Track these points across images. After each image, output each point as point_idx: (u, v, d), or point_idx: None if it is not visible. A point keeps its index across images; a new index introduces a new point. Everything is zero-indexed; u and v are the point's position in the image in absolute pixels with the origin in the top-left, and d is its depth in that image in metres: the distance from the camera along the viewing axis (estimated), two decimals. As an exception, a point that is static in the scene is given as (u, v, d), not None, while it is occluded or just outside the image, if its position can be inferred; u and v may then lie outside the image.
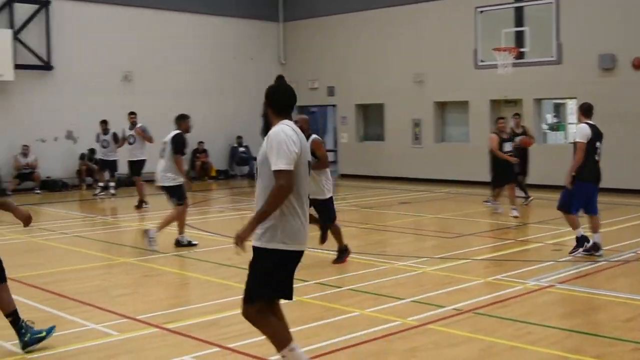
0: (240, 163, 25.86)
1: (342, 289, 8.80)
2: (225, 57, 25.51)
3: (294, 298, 5.45)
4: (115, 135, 19.39)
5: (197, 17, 25.13)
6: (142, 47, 23.69)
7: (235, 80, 25.86)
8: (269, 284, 5.22)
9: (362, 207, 17.36)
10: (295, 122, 5.48)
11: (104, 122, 20.08)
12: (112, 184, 20.17)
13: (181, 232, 11.85)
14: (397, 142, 23.91)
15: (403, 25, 23.51)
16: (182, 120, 12.05)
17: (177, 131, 11.90)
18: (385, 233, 13.54)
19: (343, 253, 10.46)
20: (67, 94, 22.08)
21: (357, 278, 9.37)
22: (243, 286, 8.98)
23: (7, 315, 6.58)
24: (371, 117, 25.40)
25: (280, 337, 5.32)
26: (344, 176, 25.29)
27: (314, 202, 9.73)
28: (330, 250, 11.30)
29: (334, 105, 26.37)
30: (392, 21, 23.80)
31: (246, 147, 25.66)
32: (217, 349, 6.45)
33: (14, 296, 8.64)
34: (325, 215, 10.35)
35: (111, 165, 19.99)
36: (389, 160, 24.04)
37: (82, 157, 22.31)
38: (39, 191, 21.08)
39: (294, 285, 5.33)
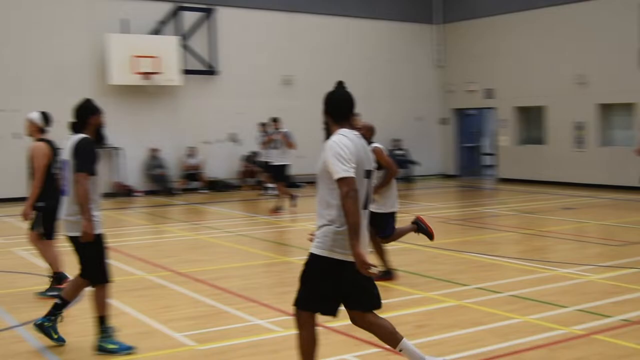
0: (399, 166, 25.82)
1: (503, 294, 8.64)
2: (382, 61, 25.66)
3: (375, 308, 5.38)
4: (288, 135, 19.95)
5: (354, 20, 25.41)
6: (302, 51, 24.23)
7: (391, 83, 25.99)
8: (316, 294, 5.17)
9: (523, 212, 16.97)
10: (358, 129, 5.40)
11: (263, 125, 20.75)
12: (273, 184, 20.71)
13: None
14: (558, 145, 23.20)
15: (564, 24, 22.79)
16: None
17: None
18: (547, 239, 13.17)
19: (387, 274, 9.53)
20: (230, 98, 22.91)
21: (518, 284, 9.18)
22: (402, 288, 9.07)
23: (60, 297, 6.87)
24: (531, 120, 24.76)
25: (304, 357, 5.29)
26: (503, 180, 24.81)
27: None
28: (488, 254, 11.16)
29: (492, 108, 25.93)
30: (553, 21, 23.14)
31: (404, 150, 25.67)
32: (378, 349, 6.51)
33: (183, 290, 9.12)
34: (379, 228, 9.33)
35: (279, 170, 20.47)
36: (550, 164, 23.37)
37: (244, 158, 23.07)
38: (204, 191, 22.02)
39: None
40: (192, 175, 22.27)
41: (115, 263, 10.88)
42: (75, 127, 6.72)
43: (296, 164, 19.06)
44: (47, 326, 6.78)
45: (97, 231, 6.59)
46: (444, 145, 27.45)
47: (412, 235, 9.77)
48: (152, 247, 13.05)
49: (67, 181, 6.66)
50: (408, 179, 25.20)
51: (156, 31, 21.91)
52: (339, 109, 5.32)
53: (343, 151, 4.99)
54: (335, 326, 7.28)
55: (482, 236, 13.45)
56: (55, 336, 6.81)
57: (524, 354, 6.37)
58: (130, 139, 21.27)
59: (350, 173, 4.94)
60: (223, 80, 22.92)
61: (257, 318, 7.71)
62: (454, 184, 25.06)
